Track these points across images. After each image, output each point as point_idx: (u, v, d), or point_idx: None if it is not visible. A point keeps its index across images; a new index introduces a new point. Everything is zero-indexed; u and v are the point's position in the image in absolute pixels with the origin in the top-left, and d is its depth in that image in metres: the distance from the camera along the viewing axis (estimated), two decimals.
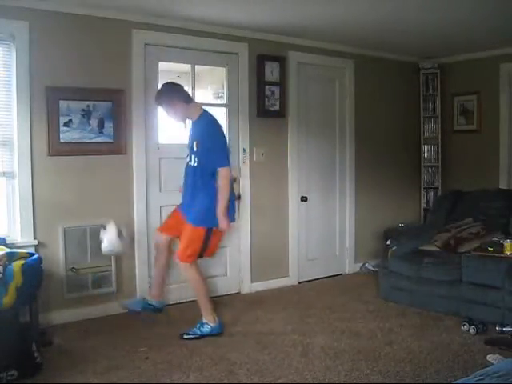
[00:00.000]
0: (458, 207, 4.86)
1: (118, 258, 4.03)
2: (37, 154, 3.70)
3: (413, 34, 4.72)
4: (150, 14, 4.00)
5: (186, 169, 3.68)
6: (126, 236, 3.72)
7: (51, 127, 3.73)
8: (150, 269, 4.19)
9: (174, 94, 3.53)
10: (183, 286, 4.10)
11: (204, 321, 3.59)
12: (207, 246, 3.55)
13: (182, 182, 3.74)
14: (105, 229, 3.67)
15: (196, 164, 3.54)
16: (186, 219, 3.59)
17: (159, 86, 3.71)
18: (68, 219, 3.83)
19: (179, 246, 3.59)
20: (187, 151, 3.67)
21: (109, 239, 3.62)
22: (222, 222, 3.48)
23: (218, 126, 3.63)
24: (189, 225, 3.53)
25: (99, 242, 3.68)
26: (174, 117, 3.62)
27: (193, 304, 3.80)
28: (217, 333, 3.58)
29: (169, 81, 3.72)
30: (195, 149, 3.54)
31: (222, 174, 3.46)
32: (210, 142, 3.49)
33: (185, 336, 3.54)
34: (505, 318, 3.58)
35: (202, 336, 3.54)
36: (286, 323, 3.86)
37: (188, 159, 3.63)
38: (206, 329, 3.57)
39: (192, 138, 3.62)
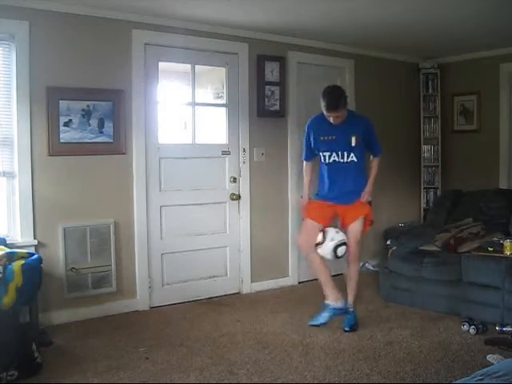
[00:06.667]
0: (458, 207, 4.86)
1: (118, 257, 4.04)
2: (37, 154, 3.70)
3: (413, 34, 4.72)
4: (149, 14, 4.00)
5: (330, 167, 3.80)
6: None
7: (51, 127, 3.73)
8: (149, 269, 4.20)
9: (345, 96, 3.66)
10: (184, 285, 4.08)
11: (351, 308, 3.81)
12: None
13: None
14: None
15: (353, 159, 3.74)
16: (352, 204, 3.85)
17: (330, 92, 3.66)
18: (68, 219, 3.83)
19: (355, 228, 3.85)
20: (332, 152, 3.75)
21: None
22: (369, 193, 3.91)
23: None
24: (361, 206, 3.87)
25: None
26: (339, 118, 3.68)
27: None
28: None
29: (332, 85, 3.80)
30: (354, 144, 3.70)
31: (380, 158, 3.95)
32: (371, 135, 3.82)
33: (354, 328, 3.70)
34: (505, 318, 3.58)
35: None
36: (285, 323, 3.86)
37: (335, 158, 3.76)
38: (354, 311, 3.83)
39: (348, 135, 3.69)
